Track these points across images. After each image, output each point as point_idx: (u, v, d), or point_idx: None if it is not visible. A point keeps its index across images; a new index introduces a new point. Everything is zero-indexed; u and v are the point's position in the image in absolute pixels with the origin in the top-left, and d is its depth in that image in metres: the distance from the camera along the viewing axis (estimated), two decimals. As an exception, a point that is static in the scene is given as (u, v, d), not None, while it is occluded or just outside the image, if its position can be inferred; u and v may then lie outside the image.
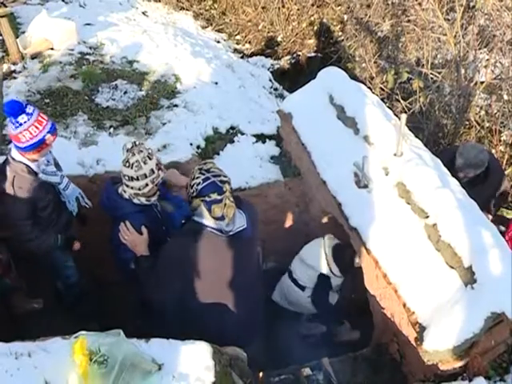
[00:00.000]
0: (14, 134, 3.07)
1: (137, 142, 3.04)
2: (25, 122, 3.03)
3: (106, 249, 3.79)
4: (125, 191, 3.10)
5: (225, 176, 2.82)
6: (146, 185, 3.03)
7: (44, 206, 3.47)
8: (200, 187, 2.74)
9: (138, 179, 2.99)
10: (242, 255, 2.91)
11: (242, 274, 2.94)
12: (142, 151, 2.98)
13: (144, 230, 3.03)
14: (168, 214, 3.45)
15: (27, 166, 3.25)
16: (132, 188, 3.03)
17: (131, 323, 3.18)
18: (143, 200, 3.13)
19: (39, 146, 3.15)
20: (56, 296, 4.26)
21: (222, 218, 2.77)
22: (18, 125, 3.03)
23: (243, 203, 3.03)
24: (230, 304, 3.00)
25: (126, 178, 3.02)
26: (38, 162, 3.30)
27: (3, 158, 4.22)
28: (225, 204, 2.76)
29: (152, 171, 3.02)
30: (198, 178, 2.76)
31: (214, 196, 2.73)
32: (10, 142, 4.62)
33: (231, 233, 2.83)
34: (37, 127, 3.07)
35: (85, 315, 4.07)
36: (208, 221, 2.79)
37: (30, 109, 3.07)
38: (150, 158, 3.00)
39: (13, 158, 3.26)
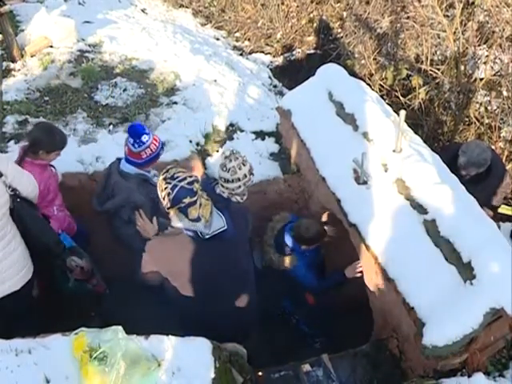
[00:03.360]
0: (137, 152, 3.50)
1: (234, 150, 3.51)
2: (147, 141, 3.50)
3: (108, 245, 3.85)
4: (223, 191, 3.51)
5: (190, 176, 2.81)
6: (239, 187, 3.47)
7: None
8: (171, 197, 2.74)
9: (232, 182, 3.44)
10: (223, 257, 2.89)
11: (224, 276, 2.92)
12: (237, 158, 3.45)
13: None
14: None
15: (145, 175, 3.67)
16: (227, 189, 3.48)
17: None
18: (239, 198, 3.54)
19: (155, 159, 3.62)
20: None
21: (198, 220, 2.77)
22: (141, 144, 3.48)
23: (231, 207, 3.06)
24: (210, 306, 2.97)
25: (223, 180, 3.46)
26: (150, 171, 3.74)
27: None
28: (200, 204, 2.76)
29: (245, 176, 3.48)
30: (165, 188, 2.76)
31: (188, 200, 2.73)
32: (10, 139, 4.67)
33: (207, 236, 2.83)
34: (155, 144, 3.55)
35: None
36: (185, 224, 2.80)
37: (147, 129, 3.56)
38: (244, 165, 3.47)
39: (128, 173, 3.61)
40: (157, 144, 3.57)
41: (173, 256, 2.86)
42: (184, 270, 2.87)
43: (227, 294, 3.00)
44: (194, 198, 2.74)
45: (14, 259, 3.14)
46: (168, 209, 2.82)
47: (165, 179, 2.78)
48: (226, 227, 2.89)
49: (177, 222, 2.83)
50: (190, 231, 2.81)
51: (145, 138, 3.48)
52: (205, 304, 2.95)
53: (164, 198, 2.79)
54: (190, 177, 2.80)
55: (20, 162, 3.52)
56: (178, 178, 2.76)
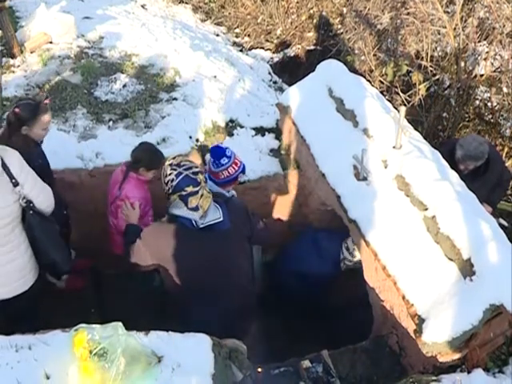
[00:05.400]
0: (215, 172, 3.67)
1: None
2: (226, 163, 3.65)
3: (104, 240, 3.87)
4: None
5: (196, 167, 2.85)
6: None
7: None
8: (174, 183, 2.78)
9: None
10: (215, 248, 2.90)
11: (214, 268, 2.92)
12: None
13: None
14: None
15: (223, 194, 3.73)
16: None
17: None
18: None
19: (233, 181, 3.76)
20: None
21: (196, 209, 2.79)
22: (220, 165, 3.65)
23: (231, 202, 3.09)
24: (202, 298, 2.96)
25: None
26: (229, 190, 3.86)
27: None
28: (201, 195, 2.79)
29: None
30: (170, 174, 2.80)
31: (190, 189, 2.77)
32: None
33: (201, 225, 2.84)
34: (233, 168, 3.69)
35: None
36: (182, 211, 2.82)
37: (228, 152, 3.71)
38: None
39: (210, 189, 3.67)
40: (236, 168, 3.70)
41: (165, 242, 2.89)
42: (175, 258, 2.88)
43: (217, 288, 2.96)
44: (197, 188, 2.78)
45: (13, 268, 3.13)
46: (168, 195, 2.83)
47: (170, 165, 2.83)
48: (221, 219, 2.91)
49: (175, 209, 2.84)
50: (185, 219, 2.82)
51: (224, 160, 3.65)
52: (197, 296, 2.95)
53: (167, 184, 2.82)
54: (196, 167, 2.85)
55: (125, 175, 3.89)
56: (184, 166, 2.81)
